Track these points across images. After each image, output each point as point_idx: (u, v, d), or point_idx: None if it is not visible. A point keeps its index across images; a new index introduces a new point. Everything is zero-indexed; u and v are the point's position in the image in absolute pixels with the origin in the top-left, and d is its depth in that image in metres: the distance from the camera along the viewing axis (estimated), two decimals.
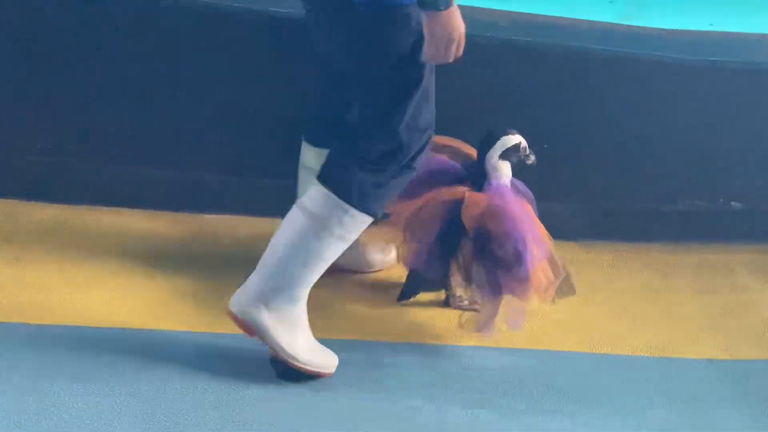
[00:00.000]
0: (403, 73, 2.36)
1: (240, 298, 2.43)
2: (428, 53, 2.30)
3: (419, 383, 2.54)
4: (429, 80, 2.41)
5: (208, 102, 2.97)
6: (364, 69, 2.38)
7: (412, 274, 2.78)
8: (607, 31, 3.23)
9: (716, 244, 3.27)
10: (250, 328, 2.43)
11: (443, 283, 2.79)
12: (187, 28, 2.90)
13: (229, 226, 3.03)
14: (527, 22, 3.16)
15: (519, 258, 2.59)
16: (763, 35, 3.40)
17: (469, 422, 2.45)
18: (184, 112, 2.97)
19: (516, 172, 2.73)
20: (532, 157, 2.72)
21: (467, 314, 2.73)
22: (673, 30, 3.33)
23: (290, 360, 2.44)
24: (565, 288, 2.71)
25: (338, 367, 2.49)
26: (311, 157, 2.70)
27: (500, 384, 2.59)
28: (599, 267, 3.15)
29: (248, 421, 2.34)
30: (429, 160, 2.58)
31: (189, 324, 2.61)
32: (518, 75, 3.04)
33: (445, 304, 2.83)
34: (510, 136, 2.69)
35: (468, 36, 2.28)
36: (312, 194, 2.43)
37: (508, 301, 2.65)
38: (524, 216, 2.65)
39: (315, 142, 2.70)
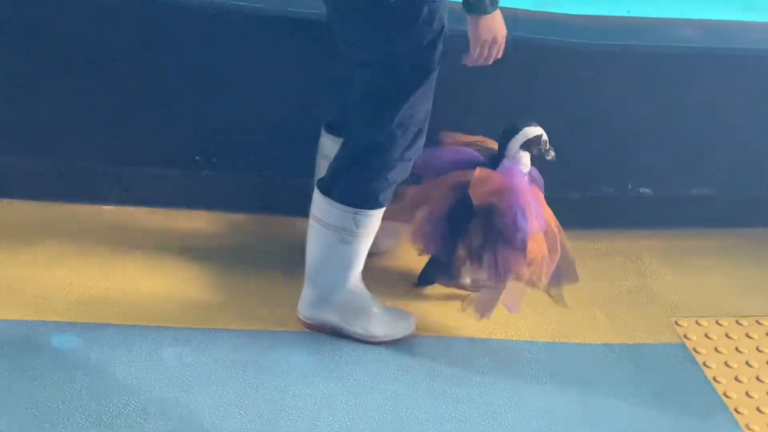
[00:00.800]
0: (413, 67, 2.44)
1: (303, 306, 2.66)
2: (473, 55, 2.43)
3: (303, 369, 2.54)
4: (433, 78, 2.50)
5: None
6: (379, 59, 2.44)
7: (432, 261, 2.83)
8: (516, 17, 3.21)
9: (625, 231, 3.26)
10: (323, 329, 2.67)
11: (455, 272, 2.80)
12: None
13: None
14: None
15: (516, 226, 2.64)
16: (675, 20, 3.40)
17: (354, 407, 2.45)
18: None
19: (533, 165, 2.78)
20: (552, 153, 2.77)
21: (468, 299, 2.79)
22: (586, 16, 3.33)
23: (370, 341, 2.66)
24: (569, 274, 2.75)
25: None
26: (329, 145, 2.77)
27: (389, 370, 2.58)
28: None
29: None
30: (452, 151, 2.71)
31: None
32: None
33: (449, 281, 2.84)
34: (532, 128, 2.72)
35: None
36: (320, 206, 2.57)
37: (509, 286, 2.70)
38: (529, 193, 2.71)
39: (333, 131, 2.78)
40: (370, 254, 2.71)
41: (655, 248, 3.24)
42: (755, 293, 3.10)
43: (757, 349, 2.88)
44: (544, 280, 2.69)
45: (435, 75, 2.50)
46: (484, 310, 2.73)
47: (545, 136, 2.73)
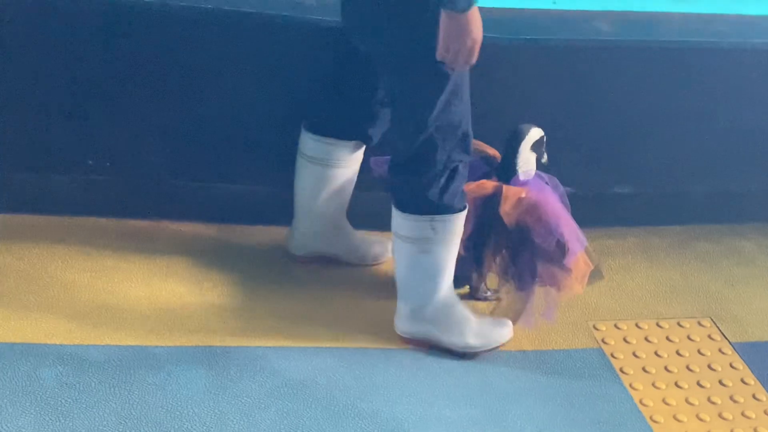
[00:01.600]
0: (431, 69, 2.38)
1: (400, 323, 2.65)
2: (439, 53, 2.33)
3: (194, 387, 2.40)
4: (460, 76, 2.43)
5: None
6: (402, 61, 2.42)
7: None
8: None
9: None
10: (423, 343, 2.64)
11: (468, 279, 2.79)
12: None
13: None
14: None
15: (563, 250, 2.62)
16: (596, 12, 3.30)
17: (246, 428, 2.32)
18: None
19: None
20: (546, 156, 2.73)
21: (500, 305, 2.77)
22: (503, 9, 3.22)
23: (467, 351, 2.64)
24: (596, 274, 2.73)
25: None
26: (311, 145, 2.76)
27: (285, 385, 2.45)
28: None
29: None
30: None
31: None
32: None
33: (470, 297, 2.81)
34: (537, 129, 2.69)
35: None
36: (398, 221, 2.57)
37: (542, 291, 2.68)
38: (561, 210, 2.68)
39: (317, 131, 2.75)
40: (359, 265, 2.80)
41: None
42: (676, 294, 3.01)
43: (677, 353, 2.79)
44: (580, 289, 2.70)
45: (460, 76, 2.43)
46: (521, 317, 2.70)
47: (545, 138, 2.70)
